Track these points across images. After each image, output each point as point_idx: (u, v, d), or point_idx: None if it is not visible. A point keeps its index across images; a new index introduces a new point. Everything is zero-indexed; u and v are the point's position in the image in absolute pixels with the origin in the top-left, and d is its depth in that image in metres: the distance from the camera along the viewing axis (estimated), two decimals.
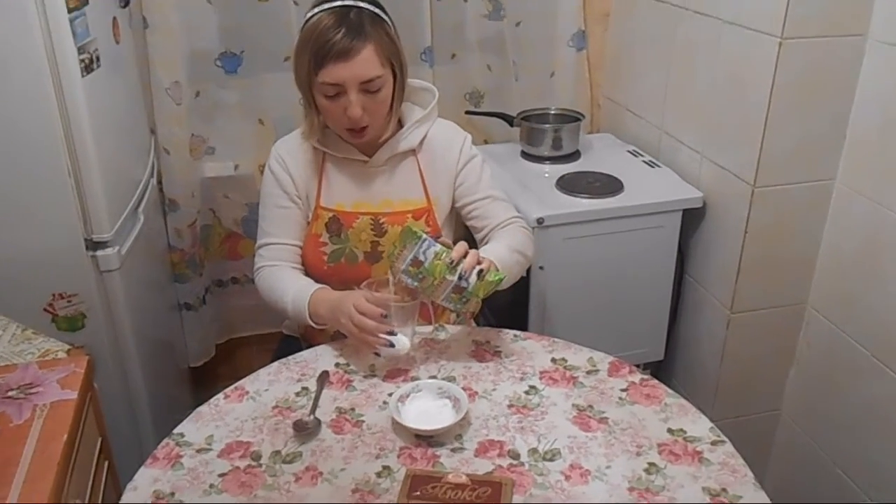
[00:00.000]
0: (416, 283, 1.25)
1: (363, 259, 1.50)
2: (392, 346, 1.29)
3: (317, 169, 1.52)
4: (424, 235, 1.24)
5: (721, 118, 1.83)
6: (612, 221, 1.91)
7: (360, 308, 1.28)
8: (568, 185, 2.00)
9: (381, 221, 1.51)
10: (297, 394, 1.32)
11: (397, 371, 1.35)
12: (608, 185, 1.99)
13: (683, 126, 1.99)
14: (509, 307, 2.01)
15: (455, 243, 1.28)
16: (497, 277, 1.24)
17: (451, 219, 1.60)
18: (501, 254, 1.38)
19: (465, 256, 1.24)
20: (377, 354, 1.34)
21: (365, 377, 1.35)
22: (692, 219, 1.96)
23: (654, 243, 1.97)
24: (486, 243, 1.47)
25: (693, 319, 2.06)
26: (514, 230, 1.49)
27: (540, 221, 1.82)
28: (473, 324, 1.68)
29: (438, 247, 1.24)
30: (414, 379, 1.33)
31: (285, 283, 1.46)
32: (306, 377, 1.36)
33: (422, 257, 1.24)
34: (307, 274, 1.52)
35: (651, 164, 2.11)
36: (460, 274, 1.22)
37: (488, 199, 1.52)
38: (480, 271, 1.24)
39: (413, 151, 1.53)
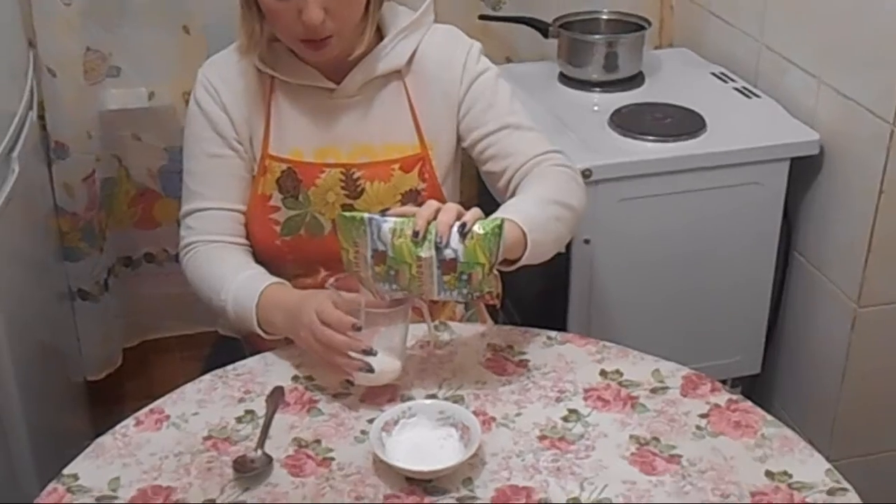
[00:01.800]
0: (396, 287, 1.27)
1: (331, 231, 1.50)
2: (371, 370, 1.29)
3: (262, 101, 1.52)
4: (365, 216, 1.25)
5: (849, 28, 1.81)
6: (689, 175, 1.91)
7: (325, 317, 1.29)
8: (626, 122, 2.00)
9: (355, 176, 1.52)
10: (239, 419, 1.32)
11: (382, 389, 1.35)
12: (684, 123, 1.99)
13: (794, 38, 1.99)
14: (540, 298, 2.02)
15: (468, 208, 1.28)
16: (493, 224, 1.24)
17: (457, 169, 1.61)
18: (528, 210, 1.37)
19: (434, 217, 1.24)
20: (350, 382, 1.35)
21: (335, 396, 1.35)
22: (804, 172, 1.97)
23: (749, 207, 1.97)
24: (511, 197, 1.47)
25: (803, 316, 2.06)
26: (549, 171, 1.48)
27: (586, 175, 1.80)
28: (489, 320, 1.69)
29: (392, 221, 1.25)
30: (405, 399, 1.33)
31: (224, 271, 1.47)
32: (251, 396, 1.36)
33: (380, 245, 1.25)
34: (255, 254, 1.55)
35: (746, 93, 2.11)
36: (436, 243, 1.23)
37: (506, 129, 1.52)
38: (463, 227, 1.23)
39: (399, 73, 1.53)
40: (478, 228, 1.24)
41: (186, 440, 1.28)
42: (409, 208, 1.28)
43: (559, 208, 1.42)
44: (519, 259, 1.33)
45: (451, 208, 1.25)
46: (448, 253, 1.23)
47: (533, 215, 1.35)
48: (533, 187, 1.45)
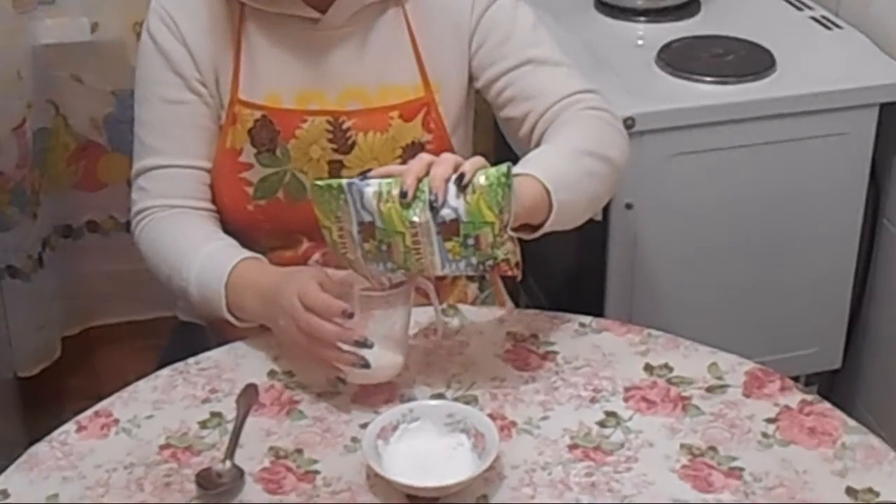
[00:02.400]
0: (392, 265, 1.27)
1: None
2: (366, 365, 1.29)
3: (231, 34, 1.53)
4: (343, 181, 1.25)
5: None
6: (755, 125, 1.91)
7: (310, 302, 1.29)
8: (677, 59, 2.00)
9: (345, 126, 1.52)
10: (204, 424, 1.32)
11: (377, 387, 1.35)
12: (748, 61, 1.99)
13: None
14: (571, 275, 2.04)
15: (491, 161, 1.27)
16: (498, 172, 1.22)
17: (469, 116, 1.61)
18: (554, 163, 1.37)
19: (426, 174, 1.23)
20: (341, 380, 1.35)
21: (321, 396, 1.36)
22: None
23: (829, 164, 1.97)
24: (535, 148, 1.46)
25: (895, 299, 2.07)
26: (582, 115, 1.49)
27: (628, 124, 1.79)
28: (509, 302, 1.69)
29: (375, 183, 1.24)
30: (406, 400, 1.33)
31: (186, 244, 1.48)
32: (218, 395, 1.37)
33: (365, 216, 1.24)
34: (224, 223, 1.55)
35: (825, 23, 2.11)
36: (431, 203, 1.23)
37: (528, 64, 1.53)
38: (461, 180, 1.23)
39: (397, 0, 1.54)
40: (480, 179, 1.23)
41: (139, 450, 1.29)
42: (396, 166, 1.27)
43: (594, 161, 1.41)
44: (542, 224, 1.33)
45: (447, 159, 1.24)
46: (447, 213, 1.23)
47: (560, 170, 1.35)
48: (561, 135, 1.45)
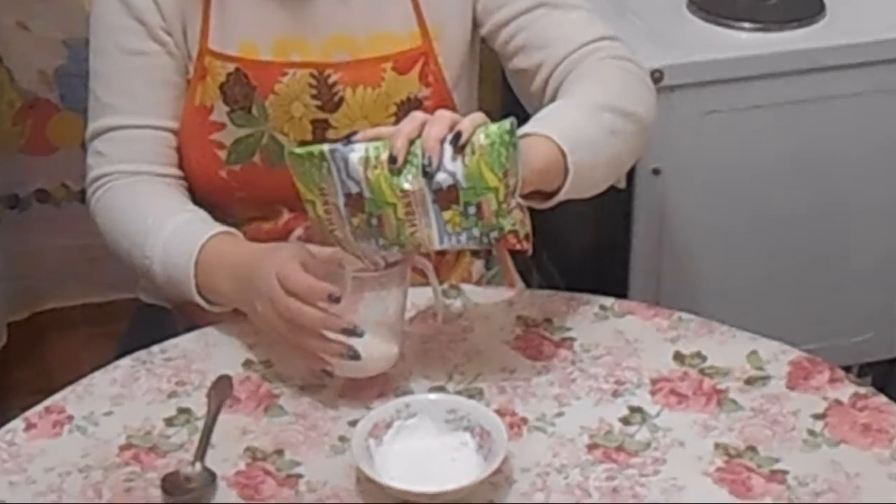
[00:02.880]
0: (384, 242, 1.27)
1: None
2: (356, 355, 1.29)
3: None
4: (325, 147, 1.24)
5: None
6: (801, 78, 1.93)
7: (291, 284, 1.28)
8: (712, 3, 2.01)
9: (331, 80, 1.52)
10: (170, 421, 1.32)
11: (369, 380, 1.35)
12: (793, 5, 2.00)
13: None
14: (590, 251, 2.04)
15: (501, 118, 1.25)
16: (501, 129, 1.22)
17: (474, 69, 1.62)
18: (570, 119, 1.37)
19: (419, 135, 1.23)
20: (328, 373, 1.34)
21: (303, 390, 1.36)
22: None
23: (884, 123, 1.98)
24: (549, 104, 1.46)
25: None
26: (602, 65, 1.49)
27: (656, 77, 1.80)
28: (519, 281, 1.69)
29: (361, 147, 1.24)
30: (402, 394, 1.34)
31: (149, 216, 1.48)
32: (187, 389, 1.37)
33: (352, 185, 1.24)
34: (193, 192, 1.56)
35: None
36: (424, 168, 1.22)
37: (541, 7, 1.54)
38: (457, 139, 1.22)
39: None
40: (480, 137, 1.23)
41: (97, 450, 1.28)
42: (385, 128, 1.27)
43: (616, 118, 1.42)
44: (557, 191, 1.33)
45: (442, 116, 1.24)
46: (443, 179, 1.22)
47: (577, 128, 1.35)
48: (579, 89, 1.45)
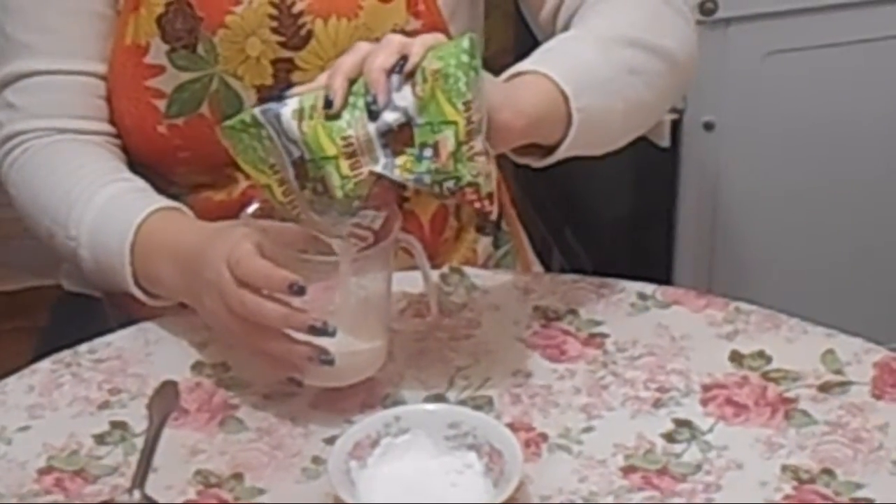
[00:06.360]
0: (342, 209, 1.23)
1: (255, 106, 1.38)
2: (329, 360, 1.24)
3: None
4: (255, 111, 1.21)
5: None
6: (885, 10, 1.91)
7: (244, 273, 1.24)
8: None
9: (295, 9, 1.48)
10: (101, 438, 1.27)
11: (349, 387, 1.31)
12: None
13: None
14: (625, 227, 1.98)
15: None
16: (457, 48, 1.19)
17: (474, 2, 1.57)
18: (577, 54, 1.35)
19: (359, 73, 1.21)
20: (296, 382, 1.30)
21: (268, 399, 1.32)
22: None
23: None
24: None
25: None
26: None
27: (709, 7, 1.85)
28: (536, 263, 1.69)
29: (294, 100, 1.22)
30: (391, 404, 1.30)
31: (74, 185, 1.45)
32: (122, 398, 1.33)
33: (293, 149, 1.21)
34: (128, 153, 1.53)
35: None
36: (369, 106, 1.17)
37: None
38: (402, 68, 1.20)
39: None
40: (433, 62, 1.19)
41: (9, 475, 1.24)
42: (323, 76, 1.23)
43: (637, 53, 1.38)
44: (559, 145, 1.29)
45: (389, 42, 1.21)
46: (392, 118, 1.19)
47: (585, 65, 1.33)
48: (594, 17, 1.42)
